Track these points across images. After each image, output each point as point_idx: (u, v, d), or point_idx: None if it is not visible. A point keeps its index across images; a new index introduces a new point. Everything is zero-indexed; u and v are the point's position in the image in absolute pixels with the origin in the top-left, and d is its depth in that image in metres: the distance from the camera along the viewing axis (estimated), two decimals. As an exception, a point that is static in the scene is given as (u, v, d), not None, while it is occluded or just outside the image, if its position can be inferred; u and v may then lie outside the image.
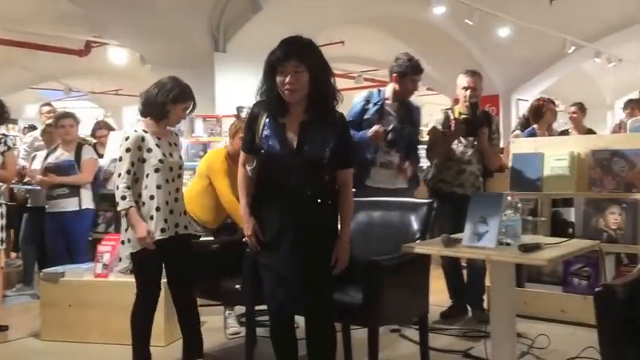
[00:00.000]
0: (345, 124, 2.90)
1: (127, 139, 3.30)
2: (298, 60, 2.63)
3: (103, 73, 13.01)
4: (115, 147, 5.30)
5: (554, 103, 5.99)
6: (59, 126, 5.11)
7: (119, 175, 3.26)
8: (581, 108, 6.96)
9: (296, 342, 2.87)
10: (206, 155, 4.64)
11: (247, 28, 7.12)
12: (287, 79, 2.64)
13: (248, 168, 2.87)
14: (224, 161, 4.18)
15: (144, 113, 3.40)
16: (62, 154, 5.08)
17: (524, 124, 6.16)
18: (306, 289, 2.75)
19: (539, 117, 5.77)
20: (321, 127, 2.73)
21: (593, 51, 10.52)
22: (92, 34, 9.96)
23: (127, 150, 3.27)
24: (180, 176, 3.44)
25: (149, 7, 6.72)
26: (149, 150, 3.30)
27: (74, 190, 4.99)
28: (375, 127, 4.06)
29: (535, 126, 5.78)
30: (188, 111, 3.47)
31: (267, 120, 2.76)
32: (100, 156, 5.61)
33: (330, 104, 2.75)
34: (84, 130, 7.39)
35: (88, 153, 5.16)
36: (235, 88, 6.65)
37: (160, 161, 3.29)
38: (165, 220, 3.29)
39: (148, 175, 3.28)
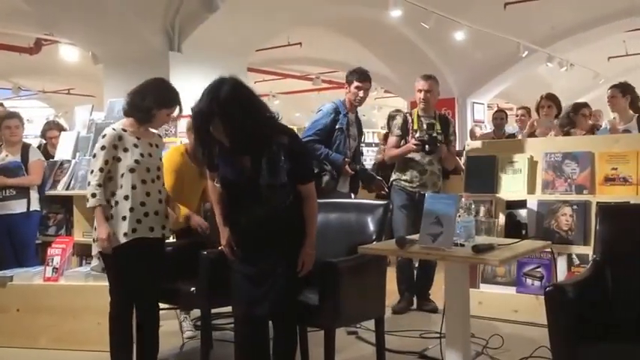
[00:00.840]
0: (296, 144, 2.86)
1: (103, 136, 3.27)
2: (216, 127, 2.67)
3: (54, 71, 12.64)
4: (66, 148, 5.15)
5: (554, 100, 5.48)
6: (4, 127, 4.95)
7: (92, 172, 3.23)
8: (528, 111, 7.12)
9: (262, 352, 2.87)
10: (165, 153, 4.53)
11: (203, 28, 6.99)
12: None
13: (216, 185, 2.95)
14: (179, 157, 4.09)
15: (127, 113, 3.36)
16: (7, 156, 4.92)
17: (565, 124, 5.68)
18: (273, 292, 2.78)
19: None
20: (272, 154, 2.73)
21: (546, 55, 10.76)
22: (43, 31, 9.67)
23: (102, 148, 3.23)
24: (159, 177, 3.39)
25: (101, 4, 6.55)
26: (125, 149, 3.25)
27: (23, 191, 4.84)
28: (348, 169, 4.48)
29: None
30: (174, 116, 3.45)
31: (218, 149, 2.78)
32: (51, 157, 5.44)
33: (267, 136, 2.74)
34: (34, 131, 7.16)
35: (35, 154, 5.01)
36: (191, 88, 6.51)
37: (136, 162, 3.24)
38: (139, 221, 3.23)
39: (122, 175, 3.23)
